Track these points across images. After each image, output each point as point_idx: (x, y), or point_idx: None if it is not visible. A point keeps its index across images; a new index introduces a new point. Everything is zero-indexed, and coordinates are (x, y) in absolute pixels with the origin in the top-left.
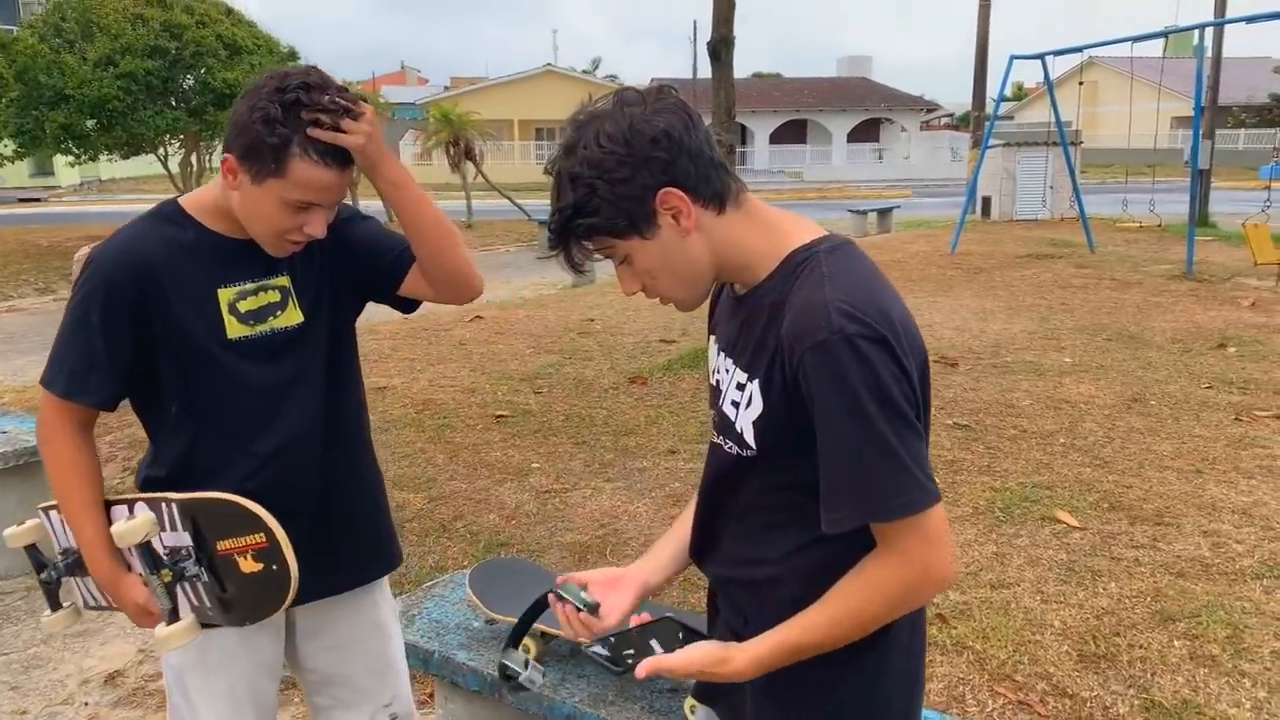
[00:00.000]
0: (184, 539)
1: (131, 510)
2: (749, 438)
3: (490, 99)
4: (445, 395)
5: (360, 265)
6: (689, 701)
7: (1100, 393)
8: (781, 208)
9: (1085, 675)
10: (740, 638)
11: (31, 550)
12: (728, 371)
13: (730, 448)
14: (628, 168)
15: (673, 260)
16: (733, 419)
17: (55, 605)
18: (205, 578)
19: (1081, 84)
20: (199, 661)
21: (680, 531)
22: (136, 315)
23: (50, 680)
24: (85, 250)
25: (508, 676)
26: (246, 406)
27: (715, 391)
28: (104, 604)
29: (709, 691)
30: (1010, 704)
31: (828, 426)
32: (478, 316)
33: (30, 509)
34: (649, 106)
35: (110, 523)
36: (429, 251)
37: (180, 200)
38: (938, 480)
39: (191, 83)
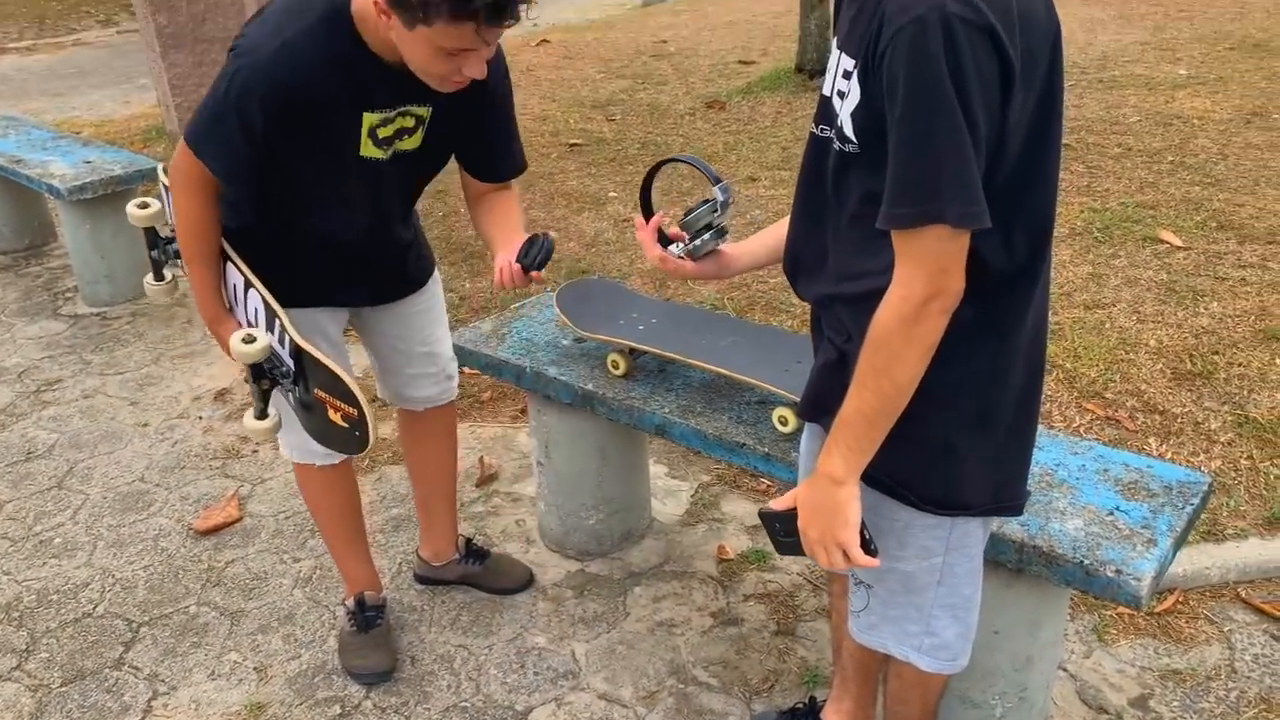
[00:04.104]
0: (290, 362)
1: (246, 292)
2: (849, 131)
3: None
4: None
5: (467, 139)
6: (778, 412)
7: (1216, 107)
8: None
9: (1178, 392)
10: (844, 354)
11: (149, 231)
12: (837, 61)
13: (833, 141)
14: None
15: None
16: (836, 110)
17: (159, 277)
18: (298, 394)
19: None
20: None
21: (776, 231)
22: (278, 126)
23: (165, 396)
24: None
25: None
26: (347, 197)
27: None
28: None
29: (814, 406)
30: (1098, 419)
31: (893, 110)
32: (544, 40)
33: (121, 237)
34: None
35: (224, 273)
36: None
37: (354, 6)
38: None
39: None
